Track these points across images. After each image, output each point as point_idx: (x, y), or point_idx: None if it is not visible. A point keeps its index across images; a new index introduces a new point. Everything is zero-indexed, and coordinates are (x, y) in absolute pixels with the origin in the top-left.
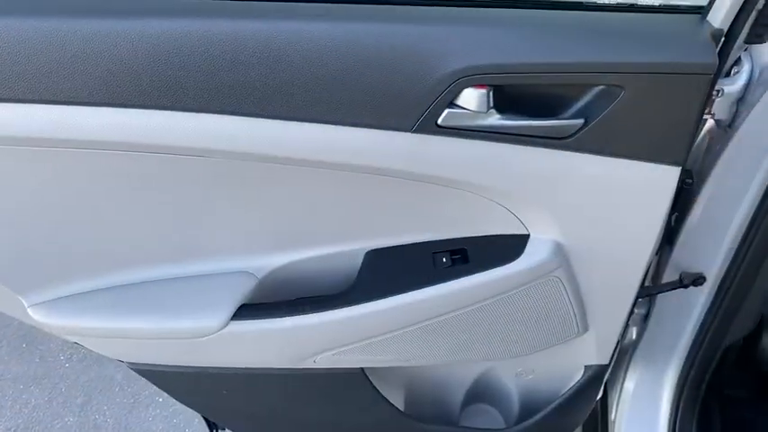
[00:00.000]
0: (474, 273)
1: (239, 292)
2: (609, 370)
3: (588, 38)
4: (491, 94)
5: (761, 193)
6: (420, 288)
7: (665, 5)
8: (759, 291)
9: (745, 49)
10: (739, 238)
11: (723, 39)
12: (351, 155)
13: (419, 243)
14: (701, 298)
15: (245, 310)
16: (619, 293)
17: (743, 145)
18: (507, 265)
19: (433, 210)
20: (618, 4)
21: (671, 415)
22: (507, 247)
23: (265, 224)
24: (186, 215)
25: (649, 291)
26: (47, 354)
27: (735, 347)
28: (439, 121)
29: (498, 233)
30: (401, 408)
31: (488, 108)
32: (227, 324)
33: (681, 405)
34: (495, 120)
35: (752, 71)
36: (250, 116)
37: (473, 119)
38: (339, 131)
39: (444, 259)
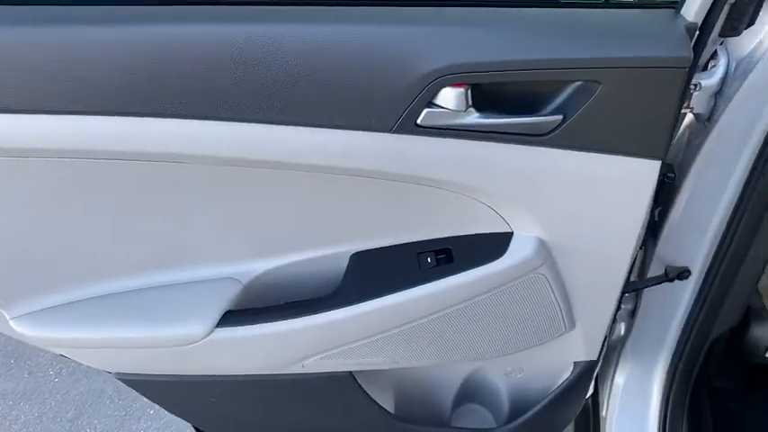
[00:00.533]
0: (459, 272)
1: (224, 299)
2: (598, 366)
3: (564, 34)
4: (469, 92)
5: (741, 185)
6: (406, 289)
7: (639, 1)
8: (744, 282)
9: (721, 43)
10: (722, 231)
11: (697, 32)
12: (332, 157)
13: (404, 244)
14: (686, 291)
15: (231, 317)
16: (604, 289)
17: (722, 138)
18: (491, 264)
19: (417, 210)
20: (593, 0)
21: (661, 409)
22: (491, 246)
23: (249, 229)
24: (169, 222)
25: (635, 286)
26: (35, 369)
27: (722, 339)
28: (418, 121)
29: (482, 232)
30: (391, 410)
31: (467, 107)
32: (212, 331)
33: (671, 398)
34: (473, 118)
35: (728, 64)
36: (229, 120)
37: (452, 118)
38: (319, 134)
39: (429, 259)
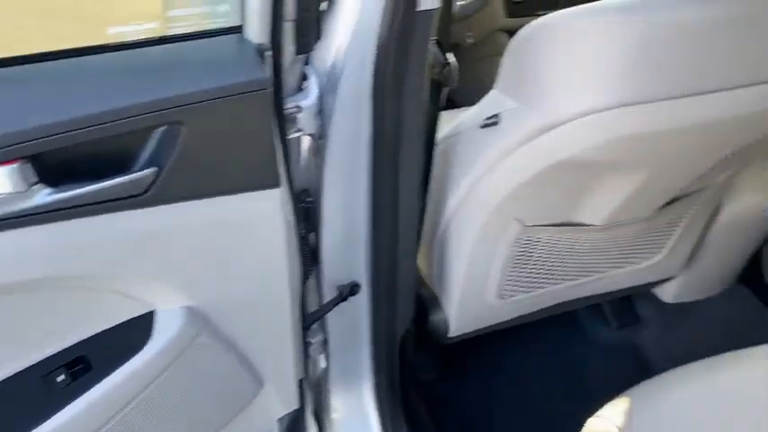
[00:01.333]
0: (103, 378)
1: None
2: (308, 410)
3: (129, 79)
4: (29, 167)
5: (367, 193)
6: (39, 426)
7: (201, 31)
8: (405, 279)
9: (307, 63)
10: (370, 238)
11: (270, 53)
12: None
13: (23, 370)
14: (363, 303)
15: None
16: (276, 331)
17: (335, 153)
18: (139, 354)
19: (32, 322)
20: (148, 39)
21: (381, 422)
22: (134, 334)
23: None
24: None
25: (314, 316)
26: None
27: (411, 336)
28: None
29: (121, 321)
30: None
31: (30, 185)
32: None
33: (386, 410)
34: (44, 196)
35: (320, 82)
36: None
37: (14, 203)
38: None
39: (61, 377)
